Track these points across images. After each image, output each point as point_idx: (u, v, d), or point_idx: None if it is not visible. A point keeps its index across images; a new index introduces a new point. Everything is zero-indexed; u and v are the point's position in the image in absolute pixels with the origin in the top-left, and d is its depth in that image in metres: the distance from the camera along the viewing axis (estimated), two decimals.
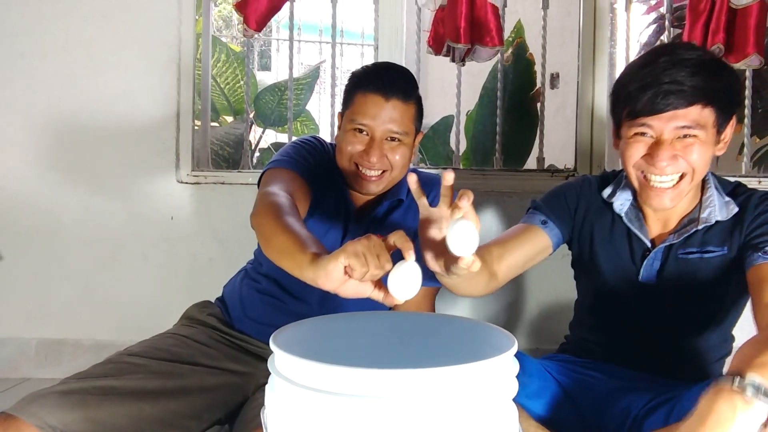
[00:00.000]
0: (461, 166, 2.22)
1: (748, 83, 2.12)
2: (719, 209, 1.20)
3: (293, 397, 0.71)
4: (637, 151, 1.15)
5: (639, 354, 1.26)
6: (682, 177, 1.15)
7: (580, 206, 1.31)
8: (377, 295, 0.90)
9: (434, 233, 0.92)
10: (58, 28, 2.08)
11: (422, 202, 0.93)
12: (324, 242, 1.00)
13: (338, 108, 1.44)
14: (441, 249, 0.91)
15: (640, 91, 1.11)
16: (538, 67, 2.38)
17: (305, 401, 0.70)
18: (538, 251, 1.29)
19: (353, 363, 0.68)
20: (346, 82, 1.38)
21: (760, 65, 1.99)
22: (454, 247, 0.83)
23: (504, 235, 1.32)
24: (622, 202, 1.26)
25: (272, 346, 0.75)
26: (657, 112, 1.10)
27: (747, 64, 1.99)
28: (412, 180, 0.92)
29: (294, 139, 1.45)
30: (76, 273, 2.11)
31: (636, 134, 1.14)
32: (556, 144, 2.35)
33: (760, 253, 1.11)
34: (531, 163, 2.45)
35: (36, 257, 2.12)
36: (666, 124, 1.11)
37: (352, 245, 0.86)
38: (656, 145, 1.13)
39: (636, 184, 1.19)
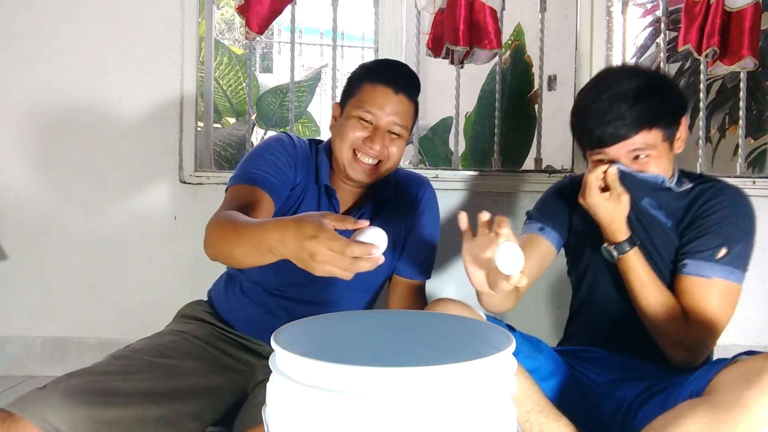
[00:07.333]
0: (460, 167, 2.24)
1: (742, 85, 2.15)
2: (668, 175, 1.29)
3: (294, 394, 0.71)
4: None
5: (627, 339, 1.31)
6: None
7: (573, 201, 1.37)
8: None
9: (479, 258, 1.00)
10: (62, 30, 2.11)
11: (467, 233, 1.04)
12: None
13: None
14: (486, 270, 1.01)
15: (592, 128, 1.25)
16: (535, 70, 2.39)
17: (306, 399, 0.70)
18: (544, 257, 1.39)
19: (353, 361, 0.68)
20: (352, 73, 1.42)
21: (754, 67, 2.02)
22: (503, 267, 0.91)
23: None
24: None
25: (273, 344, 0.75)
26: (607, 144, 1.24)
27: (741, 66, 2.02)
28: (463, 220, 1.03)
29: (258, 144, 1.42)
30: (80, 272, 2.13)
31: (597, 160, 1.29)
32: (554, 145, 2.36)
33: (688, 260, 1.24)
34: (529, 163, 2.46)
35: (41, 257, 2.14)
36: (617, 152, 1.25)
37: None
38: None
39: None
